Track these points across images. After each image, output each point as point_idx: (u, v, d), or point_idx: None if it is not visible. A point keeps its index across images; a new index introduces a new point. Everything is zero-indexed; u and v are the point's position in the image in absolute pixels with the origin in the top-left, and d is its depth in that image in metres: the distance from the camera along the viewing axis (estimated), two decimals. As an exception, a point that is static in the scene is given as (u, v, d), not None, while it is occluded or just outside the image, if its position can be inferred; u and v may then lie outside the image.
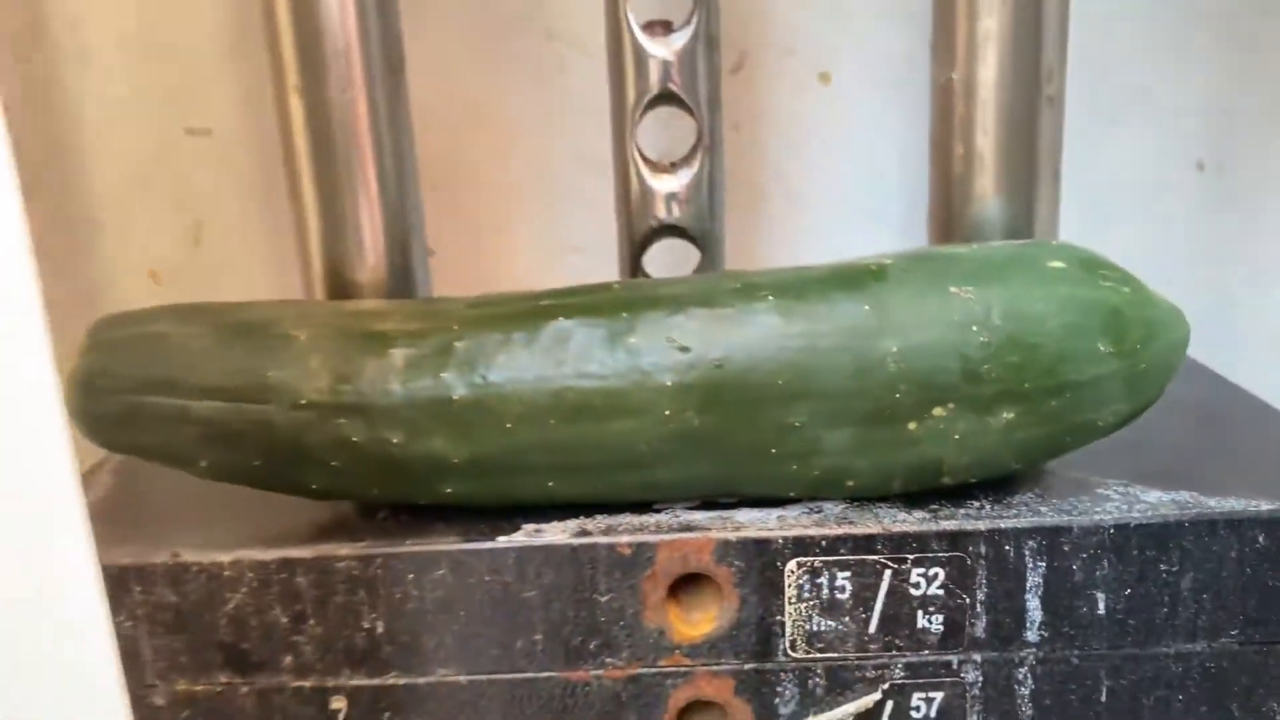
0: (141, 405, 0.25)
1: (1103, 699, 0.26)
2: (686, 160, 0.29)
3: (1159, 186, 0.40)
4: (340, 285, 0.29)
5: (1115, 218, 0.40)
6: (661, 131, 0.30)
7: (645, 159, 0.29)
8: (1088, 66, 0.38)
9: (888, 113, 0.37)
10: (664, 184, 0.29)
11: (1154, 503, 0.25)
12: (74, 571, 0.16)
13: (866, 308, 0.24)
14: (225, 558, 0.25)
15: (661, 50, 0.27)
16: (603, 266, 0.37)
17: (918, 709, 0.26)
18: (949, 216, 0.28)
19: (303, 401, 0.25)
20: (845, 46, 0.38)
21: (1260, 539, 0.25)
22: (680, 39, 0.27)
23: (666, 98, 0.28)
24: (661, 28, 0.28)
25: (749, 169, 0.39)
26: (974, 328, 0.23)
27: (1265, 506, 0.25)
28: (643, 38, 0.27)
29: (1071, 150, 0.38)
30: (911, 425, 0.24)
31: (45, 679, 0.16)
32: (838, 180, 0.38)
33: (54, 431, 0.15)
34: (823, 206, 0.39)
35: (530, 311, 0.25)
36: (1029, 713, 0.26)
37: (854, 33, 0.38)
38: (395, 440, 0.24)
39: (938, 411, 0.24)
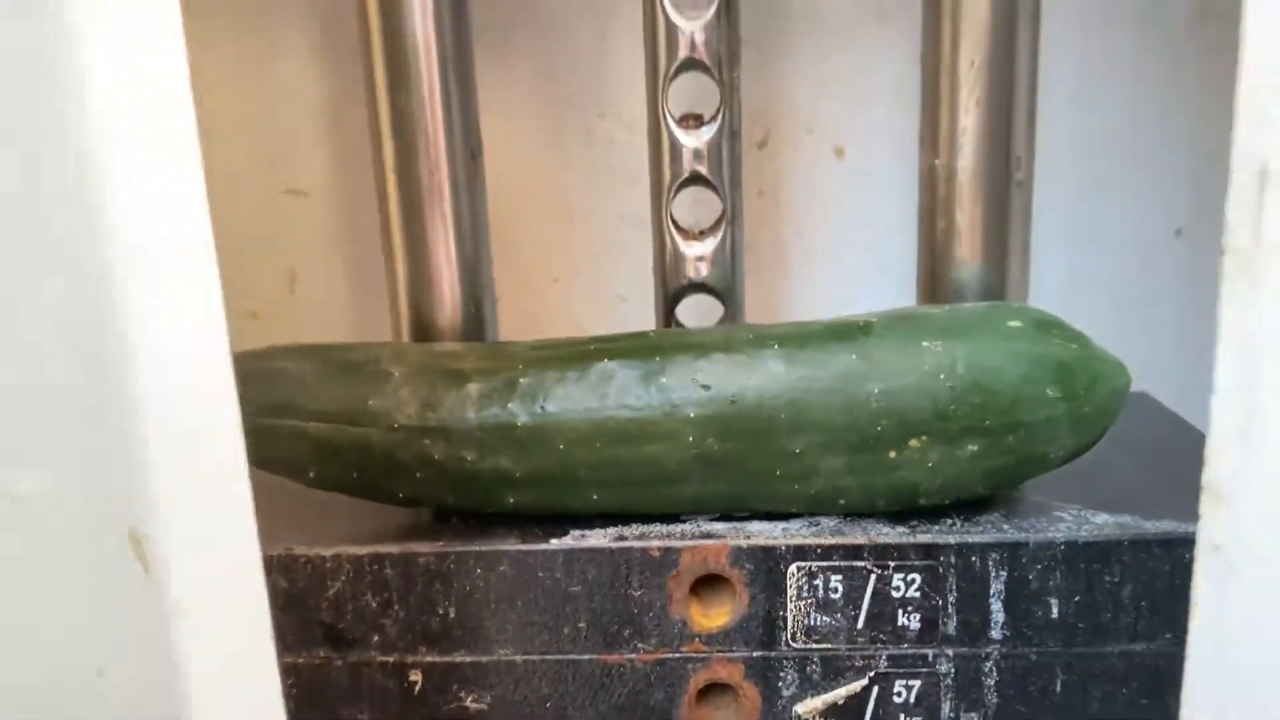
0: (265, 426, 0.31)
1: (1058, 690, 0.30)
2: (713, 230, 0.34)
3: (1141, 251, 0.44)
4: (423, 328, 0.34)
5: (1100, 280, 0.44)
6: (692, 203, 0.36)
7: (678, 227, 0.34)
8: (1075, 143, 0.43)
9: (893, 183, 0.42)
10: (693, 249, 0.34)
11: (1100, 524, 0.29)
12: (248, 567, 0.21)
13: (854, 357, 0.28)
14: (328, 552, 0.30)
15: (693, 141, 0.33)
16: (644, 313, 0.42)
17: (899, 695, 0.30)
18: (933, 280, 0.33)
19: (395, 425, 0.30)
20: (857, 126, 0.42)
21: (1188, 556, 0.29)
22: (708, 132, 0.33)
23: (696, 179, 0.33)
24: (694, 121, 0.33)
25: (773, 230, 0.44)
26: (942, 375, 0.28)
27: (1193, 528, 0.29)
28: (677, 130, 0.33)
29: (1061, 218, 0.43)
30: (892, 454, 0.29)
31: (224, 645, 0.21)
32: (849, 241, 0.43)
33: (237, 455, 0.21)
34: (836, 263, 0.43)
35: (581, 354, 0.30)
36: (994, 701, 0.30)
37: (864, 115, 0.42)
38: (469, 458, 0.30)
39: (913, 443, 0.28)
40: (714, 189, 0.33)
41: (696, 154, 0.33)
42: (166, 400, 0.19)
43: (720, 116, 0.33)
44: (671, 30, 0.32)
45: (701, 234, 0.34)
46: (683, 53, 0.32)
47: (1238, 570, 0.19)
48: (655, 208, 0.34)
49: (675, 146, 0.33)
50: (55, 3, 0.17)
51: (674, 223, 0.34)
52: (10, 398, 0.19)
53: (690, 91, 0.34)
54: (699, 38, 0.32)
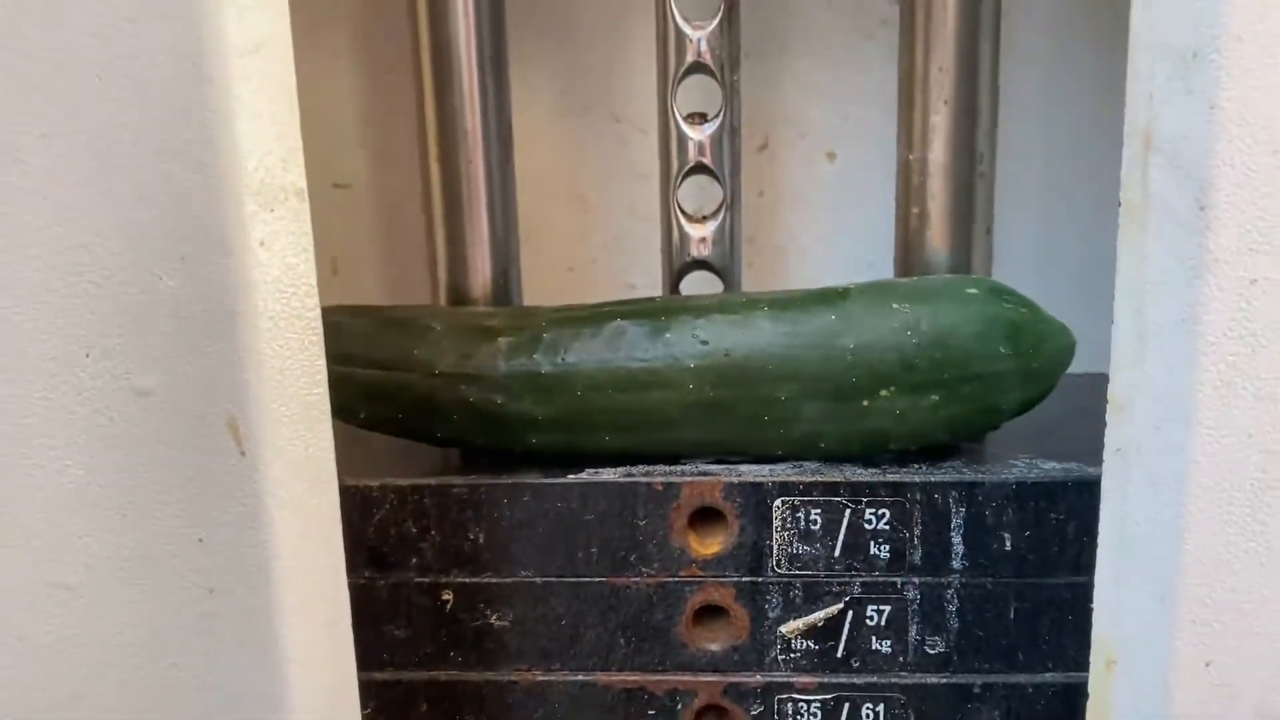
0: (322, 372, 0.35)
1: (1012, 616, 0.33)
2: (714, 214, 0.39)
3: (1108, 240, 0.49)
4: (458, 295, 0.39)
5: (1071, 269, 0.48)
6: (697, 192, 0.40)
7: (683, 212, 0.39)
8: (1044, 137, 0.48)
9: (878, 183, 0.46)
10: (696, 231, 0.39)
11: (1048, 469, 0.33)
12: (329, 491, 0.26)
13: (833, 316, 0.32)
14: (374, 483, 0.34)
15: (697, 135, 0.38)
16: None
17: (871, 618, 0.34)
18: (908, 259, 0.38)
19: (436, 372, 0.34)
20: (846, 132, 0.47)
21: (1123, 495, 0.33)
22: (711, 127, 0.38)
23: (700, 169, 0.38)
24: (699, 118, 0.38)
25: (770, 226, 0.49)
26: (908, 332, 0.32)
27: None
28: (684, 125, 0.38)
29: (1032, 209, 0.47)
30: (864, 402, 0.32)
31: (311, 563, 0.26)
32: (838, 234, 0.48)
33: (322, 403, 0.25)
34: (827, 254, 0.48)
35: (597, 315, 0.34)
36: (956, 625, 0.33)
37: (853, 123, 0.47)
38: (499, 401, 0.34)
39: (883, 392, 0.32)
40: (715, 177, 0.38)
41: (700, 147, 0.38)
42: (264, 313, 0.24)
43: (722, 114, 0.38)
44: (680, 38, 0.37)
45: (704, 218, 0.39)
46: (690, 57, 0.37)
47: (1133, 466, 0.23)
48: (664, 194, 0.39)
49: (682, 140, 0.38)
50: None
51: (680, 207, 0.39)
52: (136, 312, 0.24)
53: (696, 93, 0.38)
54: (704, 44, 0.37)
